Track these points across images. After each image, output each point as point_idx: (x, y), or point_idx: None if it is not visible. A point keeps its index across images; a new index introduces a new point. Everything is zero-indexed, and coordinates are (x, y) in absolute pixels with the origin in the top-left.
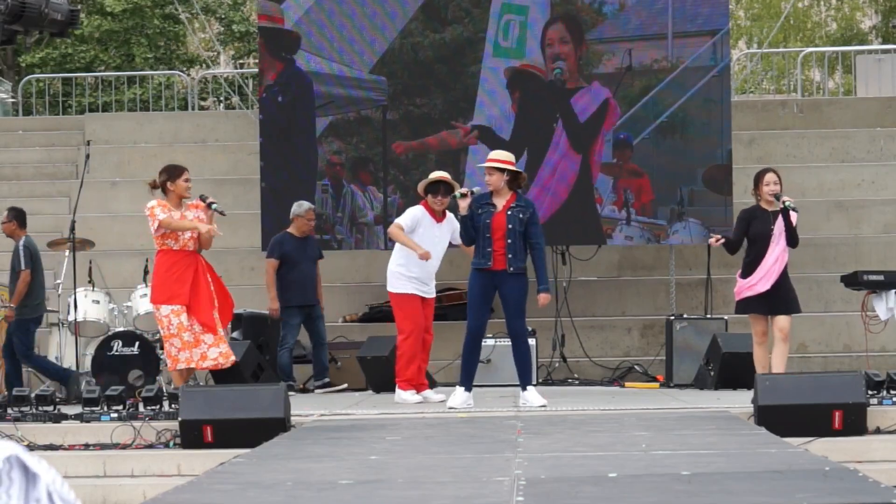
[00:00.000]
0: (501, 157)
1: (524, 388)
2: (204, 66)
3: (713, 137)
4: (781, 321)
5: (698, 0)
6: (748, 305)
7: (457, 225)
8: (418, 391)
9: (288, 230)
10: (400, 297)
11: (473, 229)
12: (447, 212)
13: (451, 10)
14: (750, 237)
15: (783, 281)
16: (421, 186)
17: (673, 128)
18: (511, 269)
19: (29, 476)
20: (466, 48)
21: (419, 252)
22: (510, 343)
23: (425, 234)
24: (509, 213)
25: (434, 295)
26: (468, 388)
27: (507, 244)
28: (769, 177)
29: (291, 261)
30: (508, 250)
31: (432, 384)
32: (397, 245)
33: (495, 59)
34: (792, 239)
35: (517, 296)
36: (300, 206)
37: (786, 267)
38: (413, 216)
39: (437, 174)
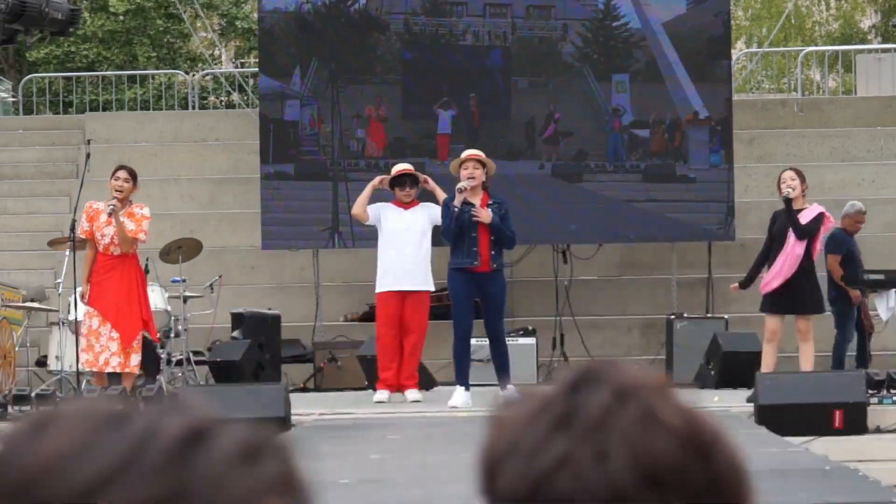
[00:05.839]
0: (480, 153)
1: (504, 388)
2: (205, 64)
3: None
4: (798, 323)
5: None
6: (762, 302)
7: (433, 214)
8: (393, 391)
9: (841, 227)
10: (376, 297)
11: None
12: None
13: None
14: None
15: (797, 279)
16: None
17: None
18: (495, 266)
19: None
20: None
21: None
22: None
23: (392, 221)
24: (490, 211)
25: (420, 287)
26: (468, 388)
27: (491, 242)
28: (783, 174)
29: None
30: (492, 248)
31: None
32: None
33: None
34: (797, 231)
35: (500, 294)
36: (854, 206)
37: (807, 266)
38: (374, 207)
39: (400, 167)
